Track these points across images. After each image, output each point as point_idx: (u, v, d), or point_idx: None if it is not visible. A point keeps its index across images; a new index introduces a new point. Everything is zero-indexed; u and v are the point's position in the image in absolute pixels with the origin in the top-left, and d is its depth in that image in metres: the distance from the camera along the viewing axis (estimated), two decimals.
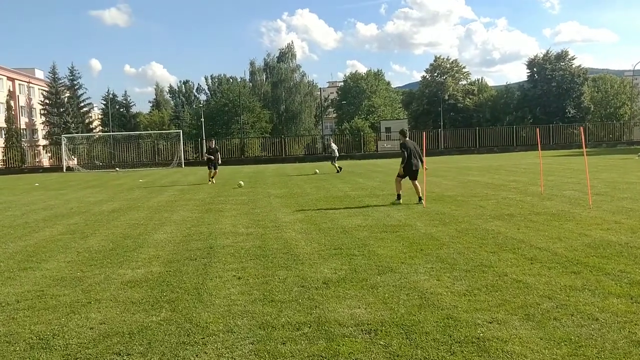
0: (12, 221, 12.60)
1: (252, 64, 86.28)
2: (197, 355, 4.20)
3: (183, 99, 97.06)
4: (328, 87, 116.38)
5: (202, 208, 13.61)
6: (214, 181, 22.15)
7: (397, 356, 4.04)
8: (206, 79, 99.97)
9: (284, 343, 4.36)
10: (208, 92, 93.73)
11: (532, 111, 66.48)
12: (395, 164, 32.14)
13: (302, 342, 4.37)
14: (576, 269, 6.29)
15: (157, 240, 9.23)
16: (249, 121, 72.34)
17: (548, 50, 68.46)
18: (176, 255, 7.97)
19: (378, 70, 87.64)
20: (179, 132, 48.20)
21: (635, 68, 70.17)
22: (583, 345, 4.10)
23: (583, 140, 14.36)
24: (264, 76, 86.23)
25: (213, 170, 22.15)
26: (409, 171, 12.85)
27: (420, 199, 12.65)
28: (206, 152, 23.40)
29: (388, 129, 54.27)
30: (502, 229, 9.12)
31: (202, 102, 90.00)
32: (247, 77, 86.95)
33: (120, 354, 4.26)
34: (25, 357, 4.28)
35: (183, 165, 43.19)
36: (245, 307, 5.32)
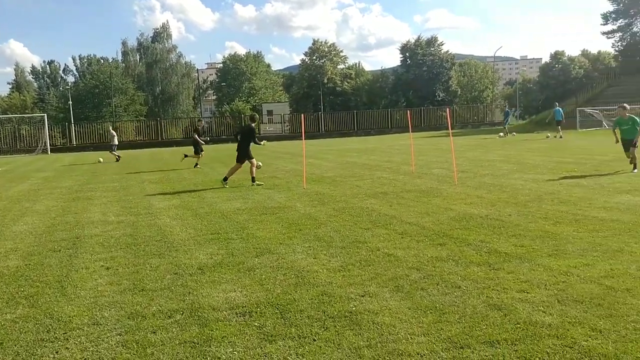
0: None
1: (124, 43, 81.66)
2: (57, 352, 3.89)
3: (48, 80, 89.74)
4: (207, 68, 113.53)
5: (69, 196, 12.70)
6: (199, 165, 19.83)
7: (271, 336, 4.03)
8: (74, 59, 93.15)
9: (154, 332, 4.18)
10: (76, 73, 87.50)
11: (405, 95, 69.50)
12: (277, 146, 32.20)
13: (174, 329, 4.22)
14: (442, 241, 6.68)
15: (15, 232, 8.46)
16: (121, 104, 68.60)
17: (419, 36, 71.74)
18: (38, 247, 7.36)
19: (258, 52, 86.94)
20: (43, 115, 44.57)
21: (496, 54, 76.09)
22: (446, 312, 4.34)
23: (449, 122, 15.26)
24: (138, 57, 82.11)
25: (201, 154, 20.00)
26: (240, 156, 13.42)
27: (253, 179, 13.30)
28: (194, 133, 20.48)
29: (270, 112, 54.24)
30: (376, 206, 9.45)
31: (69, 84, 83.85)
32: (120, 58, 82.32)
33: None
34: None
35: (49, 152, 40.12)
36: (114, 297, 5.03)
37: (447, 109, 14.39)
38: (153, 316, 4.51)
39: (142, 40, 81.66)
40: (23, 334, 4.23)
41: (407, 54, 71.04)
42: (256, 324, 4.27)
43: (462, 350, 3.68)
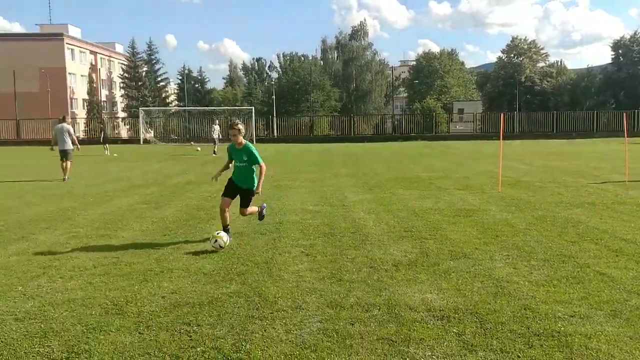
0: (91, 190, 13.16)
1: (323, 41, 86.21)
2: (265, 330, 4.18)
3: (255, 76, 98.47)
4: (399, 66, 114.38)
5: (273, 184, 13.66)
6: None
7: (471, 345, 3.86)
8: (278, 56, 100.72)
9: (352, 324, 4.27)
10: (280, 69, 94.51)
11: (615, 95, 62.80)
12: (468, 145, 31.08)
13: (372, 324, 4.27)
14: None
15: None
16: (318, 100, 72.41)
17: (636, 32, 64.08)
18: (247, 228, 8.05)
19: (452, 50, 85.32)
20: (251, 108, 48.70)
21: None
22: None
23: None
24: (335, 54, 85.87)
25: None
26: None
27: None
28: None
29: (461, 110, 52.87)
30: (582, 217, 8.62)
31: (273, 79, 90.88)
32: (319, 55, 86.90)
33: (190, 324, 4.30)
34: (100, 321, 4.40)
35: (254, 142, 43.84)
36: (314, 284, 5.27)
37: None
38: (351, 307, 4.62)
39: (340, 38, 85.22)
40: (237, 309, 4.62)
41: (619, 50, 64.03)
42: (455, 330, 4.14)
43: None
